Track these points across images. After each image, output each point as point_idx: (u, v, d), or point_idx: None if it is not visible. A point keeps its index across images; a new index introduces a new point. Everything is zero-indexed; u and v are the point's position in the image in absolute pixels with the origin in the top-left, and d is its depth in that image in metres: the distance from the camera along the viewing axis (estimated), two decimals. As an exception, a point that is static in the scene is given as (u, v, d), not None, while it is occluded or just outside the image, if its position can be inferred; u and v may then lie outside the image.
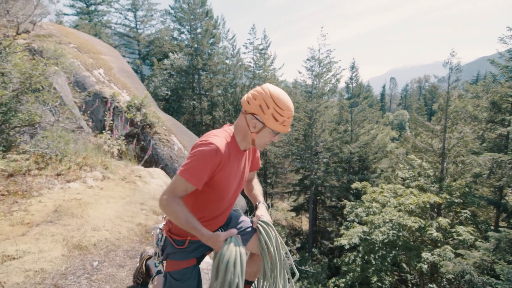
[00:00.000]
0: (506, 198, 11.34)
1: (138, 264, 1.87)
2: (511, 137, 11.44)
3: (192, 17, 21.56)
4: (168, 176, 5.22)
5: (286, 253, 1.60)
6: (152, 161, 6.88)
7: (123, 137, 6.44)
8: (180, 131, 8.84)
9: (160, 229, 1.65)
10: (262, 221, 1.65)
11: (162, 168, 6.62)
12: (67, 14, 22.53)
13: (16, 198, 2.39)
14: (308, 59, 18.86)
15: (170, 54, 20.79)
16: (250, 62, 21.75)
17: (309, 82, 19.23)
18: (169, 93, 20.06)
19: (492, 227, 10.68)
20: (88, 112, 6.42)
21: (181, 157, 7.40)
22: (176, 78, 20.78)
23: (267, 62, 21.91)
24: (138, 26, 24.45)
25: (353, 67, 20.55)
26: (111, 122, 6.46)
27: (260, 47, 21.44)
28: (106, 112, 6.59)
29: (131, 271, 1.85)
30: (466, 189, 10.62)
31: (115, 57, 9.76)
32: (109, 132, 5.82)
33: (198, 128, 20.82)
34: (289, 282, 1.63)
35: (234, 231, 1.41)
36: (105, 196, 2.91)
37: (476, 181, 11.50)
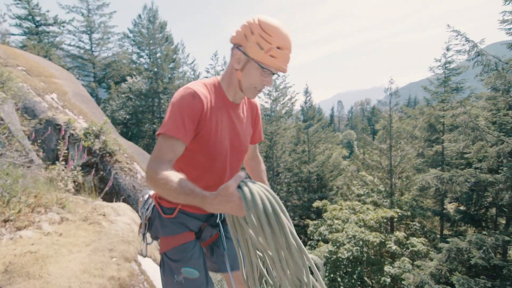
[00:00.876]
0: (445, 207, 12.42)
1: None
2: (445, 153, 12.72)
3: (151, 41, 21.10)
4: (133, 209, 4.73)
5: None
6: (113, 192, 6.24)
7: (80, 168, 5.78)
8: (143, 158, 8.26)
9: (150, 195, 1.39)
10: None
11: (124, 200, 6.02)
12: (14, 34, 20.57)
13: (-50, 259, 1.88)
14: (266, 85, 19.44)
15: (128, 77, 19.91)
16: (211, 86, 21.76)
17: (267, 106, 19.73)
18: (128, 116, 19.01)
19: (438, 235, 11.51)
20: (39, 141, 5.68)
21: (145, 186, 6.86)
22: (135, 101, 19.85)
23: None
24: (93, 49, 23.15)
25: (306, 92, 21.59)
26: (66, 151, 5.79)
27: (221, 72, 21.62)
28: (59, 141, 5.91)
29: None
30: (413, 202, 11.42)
31: (69, 81, 8.97)
32: (63, 162, 5.17)
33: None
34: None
35: (242, 174, 0.94)
36: (66, 244, 2.45)
37: (421, 194, 12.46)
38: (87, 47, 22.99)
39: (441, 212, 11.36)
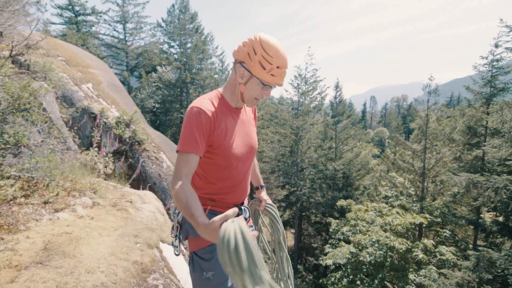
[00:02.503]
0: (482, 216, 11.74)
1: None
2: (486, 159, 11.95)
3: (182, 32, 21.64)
4: (158, 198, 5.04)
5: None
6: (140, 180, 6.67)
7: (111, 155, 6.22)
8: (169, 148, 8.67)
9: None
10: (269, 204, 1.79)
11: (150, 187, 6.42)
12: (55, 23, 22.07)
13: (1, 233, 2.20)
14: (295, 77, 19.23)
15: (158, 67, 20.67)
16: (239, 78, 21.93)
17: (295, 99, 19.54)
18: (157, 105, 19.82)
19: (471, 245, 10.95)
20: (75, 128, 6.18)
21: (170, 175, 7.23)
22: (164, 91, 20.62)
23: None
24: (127, 38, 24.23)
25: (337, 87, 21.07)
26: (99, 139, 6.25)
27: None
28: (94, 128, 6.38)
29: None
30: (445, 208, 10.91)
31: (104, 71, 9.56)
32: (96, 149, 5.61)
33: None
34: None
35: (231, 212, 1.04)
36: (96, 227, 2.74)
37: (455, 200, 11.86)
38: (121, 36, 24.12)
39: (476, 221, 10.77)
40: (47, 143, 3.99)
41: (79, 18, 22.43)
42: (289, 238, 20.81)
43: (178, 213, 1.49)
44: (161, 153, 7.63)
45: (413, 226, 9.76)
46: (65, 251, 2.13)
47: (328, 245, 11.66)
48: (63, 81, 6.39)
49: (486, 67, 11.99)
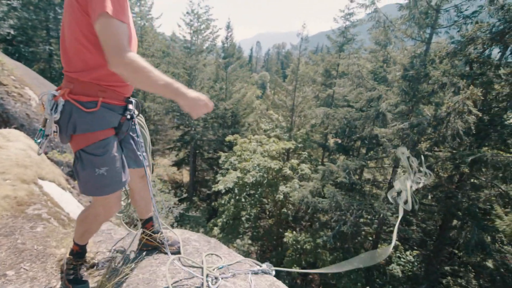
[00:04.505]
0: (328, 141, 14.89)
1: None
2: (335, 96, 14.68)
3: None
4: (28, 136, 4.19)
5: None
6: (1, 122, 5.28)
7: None
8: (38, 82, 6.90)
9: (54, 95, 1.15)
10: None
11: (17, 129, 5.20)
12: None
13: None
14: (187, 13, 17.50)
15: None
16: (121, 7, 18.19)
17: (188, 37, 18.13)
18: (12, 32, 14.57)
19: (320, 162, 13.98)
20: None
21: (42, 115, 5.96)
22: (22, 13, 15.07)
23: (143, 9, 18.93)
24: None
25: (228, 27, 20.39)
26: None
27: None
28: None
29: (11, 250, 1.54)
30: (306, 136, 13.25)
31: None
32: None
33: (60, 80, 16.53)
34: None
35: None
36: None
37: (313, 130, 14.46)
38: None
39: (324, 144, 13.59)
40: None
41: None
42: (185, 175, 21.26)
43: (56, 106, 1.15)
44: (26, 88, 6.09)
45: (284, 151, 11.52)
46: None
47: (219, 174, 12.60)
48: None
49: (342, 20, 13.82)
